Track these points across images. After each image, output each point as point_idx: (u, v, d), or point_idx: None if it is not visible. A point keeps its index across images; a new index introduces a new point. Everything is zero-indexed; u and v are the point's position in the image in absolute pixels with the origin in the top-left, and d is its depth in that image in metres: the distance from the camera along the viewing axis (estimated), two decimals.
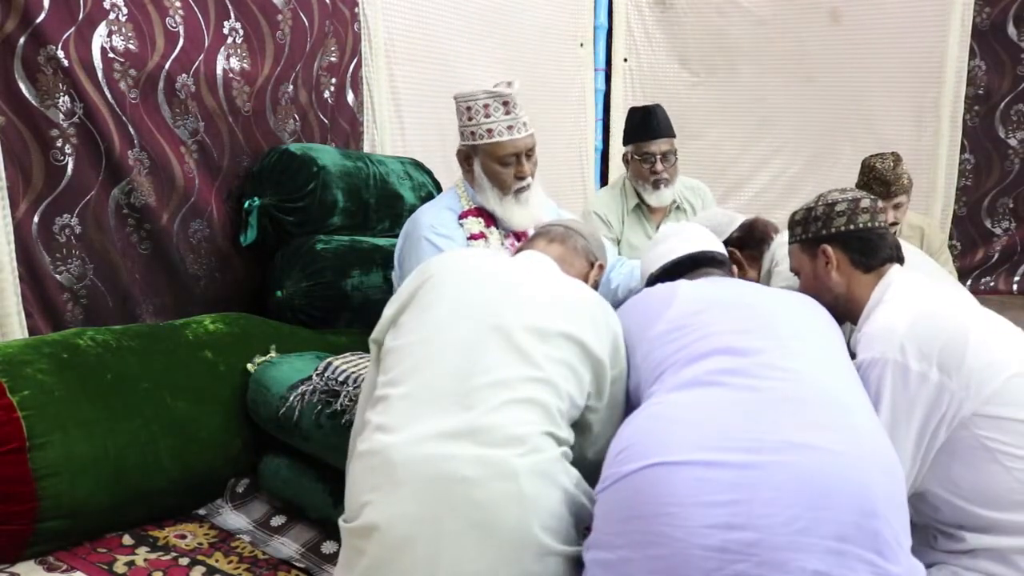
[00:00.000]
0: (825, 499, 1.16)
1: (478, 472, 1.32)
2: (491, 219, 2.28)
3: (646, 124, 2.96)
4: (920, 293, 1.62)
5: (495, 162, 2.23)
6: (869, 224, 1.73)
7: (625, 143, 3.03)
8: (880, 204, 1.78)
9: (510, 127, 2.21)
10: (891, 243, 1.74)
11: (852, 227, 1.72)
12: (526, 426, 1.37)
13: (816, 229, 1.76)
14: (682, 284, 1.72)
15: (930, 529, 1.55)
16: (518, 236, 2.29)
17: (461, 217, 2.27)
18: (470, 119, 2.22)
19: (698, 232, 2.02)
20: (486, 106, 2.19)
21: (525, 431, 1.36)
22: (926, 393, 1.47)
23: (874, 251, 1.71)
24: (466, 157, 2.29)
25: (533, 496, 1.32)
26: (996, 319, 1.65)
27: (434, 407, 1.39)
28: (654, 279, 1.92)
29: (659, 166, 2.92)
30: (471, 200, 2.30)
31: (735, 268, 2.17)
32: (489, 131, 2.20)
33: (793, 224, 1.84)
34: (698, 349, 1.45)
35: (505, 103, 2.21)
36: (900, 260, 1.74)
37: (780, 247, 2.08)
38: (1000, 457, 1.44)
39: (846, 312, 1.72)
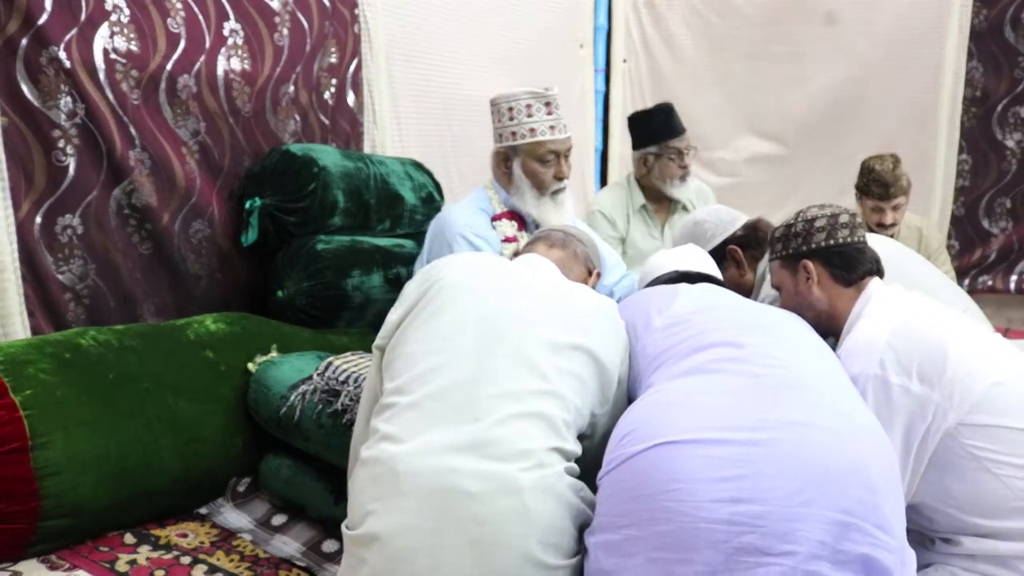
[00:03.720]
0: (828, 473, 1.19)
1: (482, 486, 1.31)
2: (523, 223, 2.28)
3: (670, 122, 3.00)
4: (899, 306, 1.64)
5: (536, 160, 2.25)
6: (849, 239, 1.75)
7: (646, 145, 3.01)
8: (859, 219, 1.81)
9: (552, 127, 2.24)
10: (871, 257, 1.76)
11: (832, 242, 1.75)
12: (532, 441, 1.36)
13: (796, 245, 1.79)
14: (683, 285, 1.76)
15: (926, 536, 1.56)
16: None
17: (495, 219, 2.27)
18: (511, 119, 2.23)
19: (694, 254, 2.08)
20: (528, 106, 2.21)
21: (531, 446, 1.36)
22: (909, 405, 1.48)
23: (854, 265, 1.73)
24: (504, 159, 2.29)
25: (536, 512, 1.32)
26: (976, 327, 1.67)
27: (441, 418, 1.38)
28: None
29: (686, 160, 2.96)
30: (502, 202, 2.31)
31: (735, 267, 2.20)
32: (532, 130, 2.22)
33: (773, 241, 1.87)
34: (698, 342, 1.48)
35: (547, 103, 2.23)
36: (880, 273, 1.76)
37: None
38: (989, 465, 1.45)
39: (828, 327, 1.74)
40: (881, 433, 1.35)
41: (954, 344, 1.52)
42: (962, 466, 1.47)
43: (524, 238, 2.27)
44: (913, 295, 1.70)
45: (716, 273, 2.06)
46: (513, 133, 2.23)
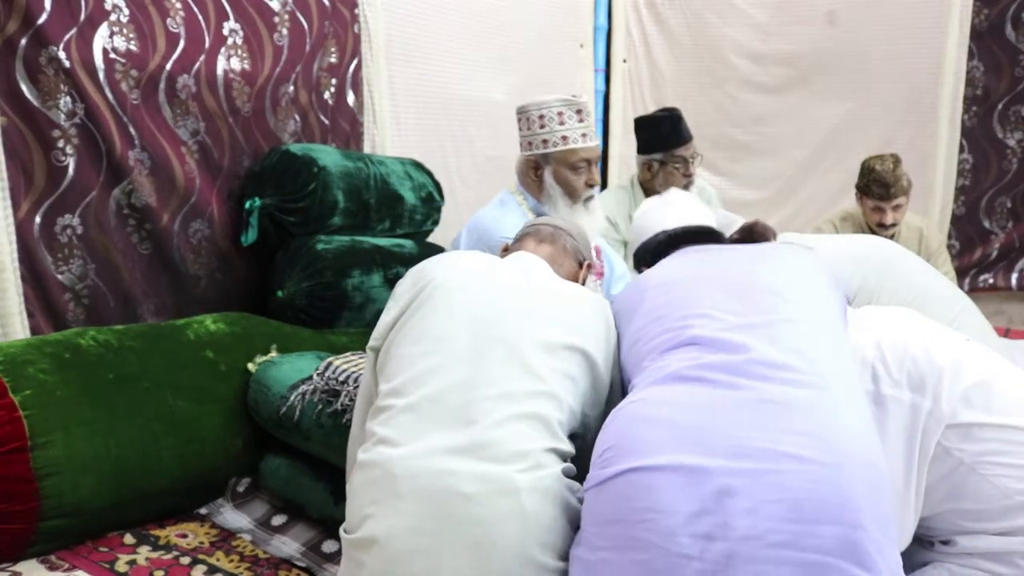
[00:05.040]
0: (805, 513, 1.15)
1: (479, 488, 1.31)
2: None
3: (677, 130, 2.97)
4: (874, 324, 1.64)
5: (568, 169, 2.24)
6: None
7: (651, 151, 2.98)
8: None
9: (584, 135, 2.24)
10: None
11: None
12: (529, 442, 1.36)
13: None
14: (653, 274, 1.69)
15: (925, 539, 1.56)
16: None
17: None
18: (542, 127, 2.22)
19: (683, 207, 2.01)
20: (560, 113, 2.21)
21: (528, 447, 1.35)
22: (904, 418, 1.48)
23: None
24: (535, 167, 2.28)
25: (534, 513, 1.31)
26: (951, 331, 1.68)
27: (437, 420, 1.38)
28: (640, 259, 1.93)
29: (691, 169, 2.94)
30: (531, 209, 2.30)
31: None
32: (564, 138, 2.22)
33: None
34: (684, 336, 1.42)
35: (579, 111, 2.23)
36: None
37: None
38: (976, 467, 1.45)
39: None
40: (872, 437, 1.31)
41: (935, 349, 1.53)
42: (951, 472, 1.48)
43: None
44: (884, 311, 1.71)
45: (709, 221, 1.98)
46: (544, 141, 2.23)
